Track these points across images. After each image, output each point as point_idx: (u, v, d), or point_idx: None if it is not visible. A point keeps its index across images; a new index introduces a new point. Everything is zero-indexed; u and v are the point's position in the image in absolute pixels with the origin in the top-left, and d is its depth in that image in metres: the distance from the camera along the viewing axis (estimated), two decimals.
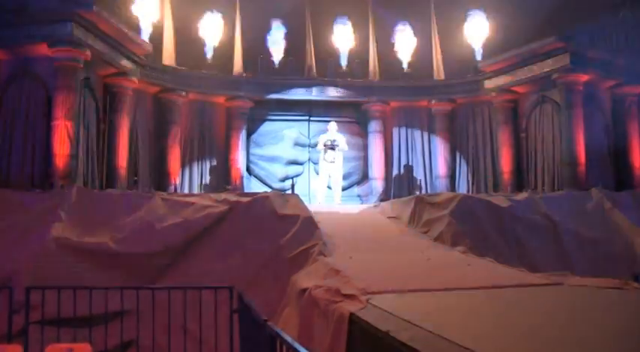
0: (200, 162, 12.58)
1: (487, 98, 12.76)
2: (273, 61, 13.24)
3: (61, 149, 8.87)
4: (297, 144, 13.36)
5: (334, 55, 13.52)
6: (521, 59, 11.60)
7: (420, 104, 13.57)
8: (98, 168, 10.18)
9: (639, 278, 6.59)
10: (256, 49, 13.14)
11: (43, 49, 9.06)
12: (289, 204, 8.10)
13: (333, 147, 11.74)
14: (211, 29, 12.70)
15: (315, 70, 13.26)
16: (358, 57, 13.60)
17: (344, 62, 13.49)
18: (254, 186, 12.68)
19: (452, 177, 13.34)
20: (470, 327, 3.58)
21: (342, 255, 6.79)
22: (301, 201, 8.55)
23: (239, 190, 11.63)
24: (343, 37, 13.49)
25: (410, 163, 13.59)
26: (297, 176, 13.14)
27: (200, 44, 12.63)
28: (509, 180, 12.16)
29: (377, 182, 13.31)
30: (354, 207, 11.12)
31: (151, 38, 11.56)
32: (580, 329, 3.55)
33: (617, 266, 8.20)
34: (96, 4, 9.02)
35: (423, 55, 13.56)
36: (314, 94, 13.21)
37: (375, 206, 10.84)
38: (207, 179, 12.58)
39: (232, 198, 8.11)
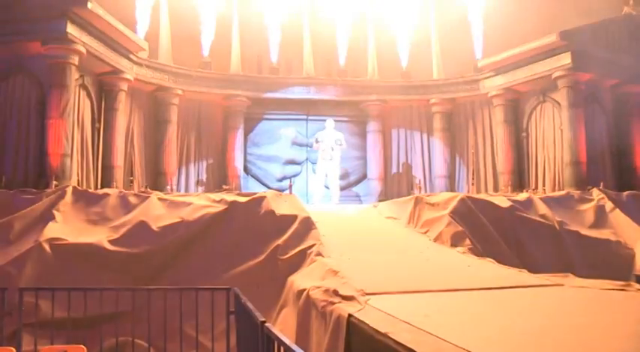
0: (197, 162, 12.51)
1: (487, 97, 12.69)
2: (271, 60, 13.14)
3: (56, 148, 8.77)
4: (294, 143, 13.29)
5: (333, 54, 13.43)
6: (521, 58, 11.52)
7: (419, 103, 13.50)
8: (93, 168, 10.09)
9: None
10: (254, 47, 13.04)
11: (36, 47, 8.92)
12: (287, 204, 8.06)
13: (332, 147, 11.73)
14: (208, 27, 12.58)
15: (313, 69, 13.18)
16: (357, 55, 13.51)
17: (342, 61, 13.42)
18: (251, 186, 12.59)
19: (451, 176, 13.27)
20: (469, 329, 3.56)
21: (340, 255, 6.73)
22: (299, 201, 8.51)
23: (236, 190, 11.55)
24: (342, 36, 13.40)
25: (409, 163, 13.53)
26: (294, 176, 13.05)
27: (197, 42, 12.52)
28: (509, 180, 12.09)
29: (375, 182, 13.25)
30: (353, 207, 11.07)
31: (147, 36, 11.46)
32: (582, 332, 3.50)
33: (619, 267, 8.15)
34: (91, 1, 8.92)
35: (422, 54, 13.48)
36: (312, 93, 13.14)
37: (374, 206, 10.77)
38: (204, 179, 12.48)
39: (230, 198, 8.05)
